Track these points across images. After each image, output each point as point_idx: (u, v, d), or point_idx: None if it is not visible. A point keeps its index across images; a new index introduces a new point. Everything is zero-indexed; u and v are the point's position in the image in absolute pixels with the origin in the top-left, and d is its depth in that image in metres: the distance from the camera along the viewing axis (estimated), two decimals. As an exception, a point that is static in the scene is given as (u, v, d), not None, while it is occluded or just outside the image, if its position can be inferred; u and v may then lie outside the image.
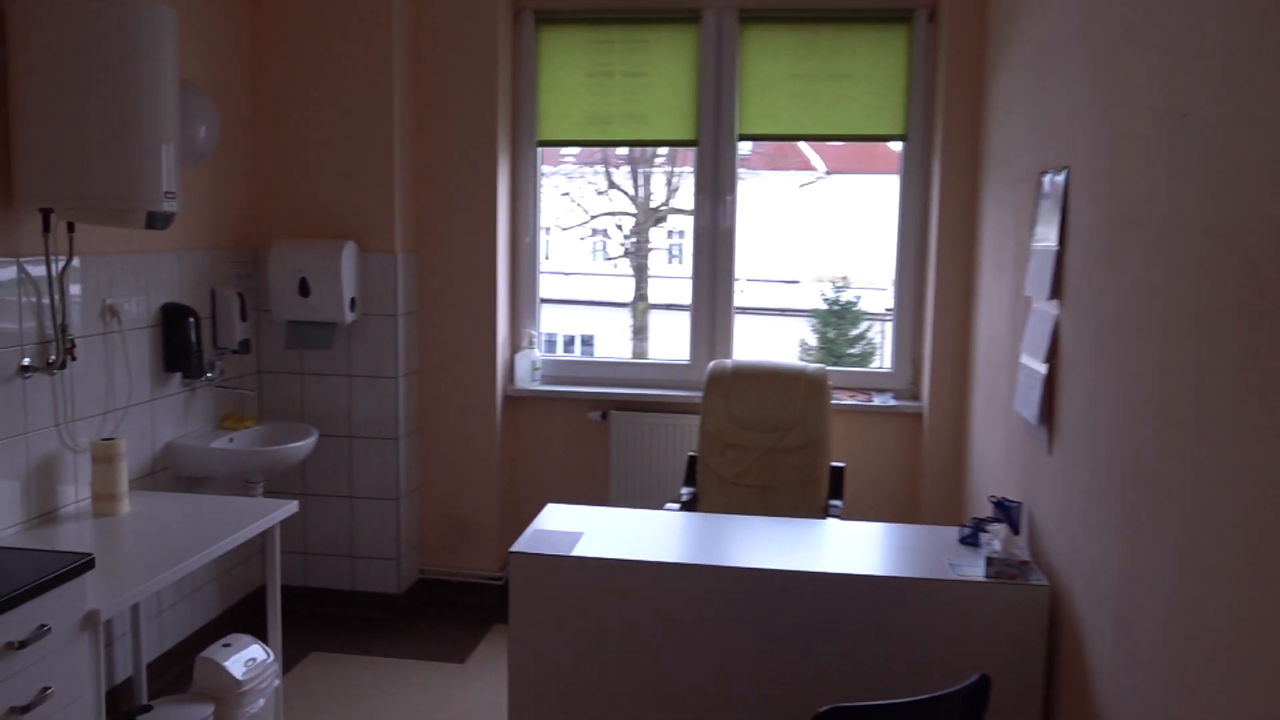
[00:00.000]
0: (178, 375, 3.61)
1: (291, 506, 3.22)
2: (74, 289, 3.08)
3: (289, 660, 3.75)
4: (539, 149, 4.41)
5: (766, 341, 5.43)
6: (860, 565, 2.69)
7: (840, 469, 3.87)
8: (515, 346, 4.48)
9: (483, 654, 3.86)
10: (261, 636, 3.19)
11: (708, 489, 3.84)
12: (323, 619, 4.15)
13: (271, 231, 4.14)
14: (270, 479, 4.19)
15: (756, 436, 3.84)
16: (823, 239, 5.12)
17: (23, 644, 2.10)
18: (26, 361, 2.90)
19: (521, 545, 2.78)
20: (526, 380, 4.41)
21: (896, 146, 4.22)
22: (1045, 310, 2.69)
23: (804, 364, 3.96)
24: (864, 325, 5.15)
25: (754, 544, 2.91)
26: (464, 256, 4.26)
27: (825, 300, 5.04)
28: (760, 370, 3.93)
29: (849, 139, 4.41)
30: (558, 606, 2.72)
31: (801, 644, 2.61)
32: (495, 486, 4.33)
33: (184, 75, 3.61)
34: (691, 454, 3.97)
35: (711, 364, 4.00)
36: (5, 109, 2.76)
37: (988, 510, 2.93)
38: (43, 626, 2.17)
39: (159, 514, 3.09)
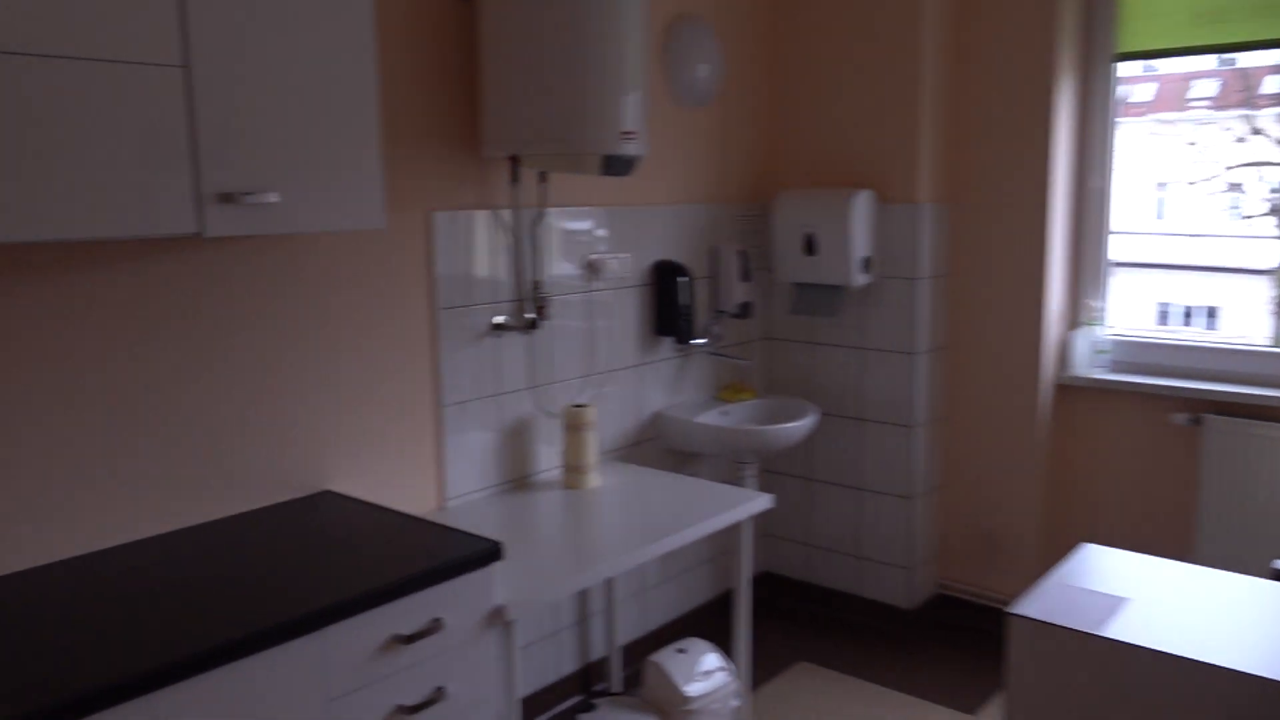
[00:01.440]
0: (669, 340, 3.33)
1: (764, 501, 2.74)
2: (553, 244, 2.90)
3: (772, 667, 3.32)
4: (1115, 65, 3.36)
5: None
6: None
7: None
8: (1073, 322, 3.53)
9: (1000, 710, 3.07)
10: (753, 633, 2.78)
11: (1353, 542, 2.60)
12: (821, 623, 3.66)
13: (781, 181, 3.69)
14: (767, 458, 3.79)
15: None
16: None
17: (410, 638, 1.87)
18: (500, 320, 2.77)
19: (1029, 607, 1.98)
20: (1085, 365, 3.44)
21: None
22: None
23: None
24: None
25: None
26: (1007, 207, 3.41)
27: None
28: None
29: None
30: (1075, 701, 1.88)
31: None
32: (1036, 495, 3.45)
33: (688, 9, 3.28)
34: (1329, 487, 2.74)
35: (1373, 357, 2.70)
36: (476, 50, 2.60)
37: None
38: (436, 620, 1.93)
39: (625, 492, 2.80)
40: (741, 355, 3.63)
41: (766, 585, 3.89)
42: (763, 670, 3.29)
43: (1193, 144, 3.71)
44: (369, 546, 2.03)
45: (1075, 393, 3.47)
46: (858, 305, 3.55)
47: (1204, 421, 3.17)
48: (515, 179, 2.72)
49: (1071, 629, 1.87)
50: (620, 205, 3.11)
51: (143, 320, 2.05)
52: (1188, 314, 4.24)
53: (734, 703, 2.68)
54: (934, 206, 3.44)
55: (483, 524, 2.54)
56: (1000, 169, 3.40)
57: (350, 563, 1.94)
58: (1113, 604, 1.95)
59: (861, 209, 3.37)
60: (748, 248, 3.56)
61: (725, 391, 3.52)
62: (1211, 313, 4.17)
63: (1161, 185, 4.00)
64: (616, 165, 2.58)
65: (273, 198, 1.86)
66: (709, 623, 3.55)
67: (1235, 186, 3.83)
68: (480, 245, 2.69)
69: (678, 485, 2.87)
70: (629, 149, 2.55)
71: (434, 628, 1.92)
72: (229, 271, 2.17)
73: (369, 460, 2.49)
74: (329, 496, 2.35)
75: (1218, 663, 1.73)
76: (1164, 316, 4.17)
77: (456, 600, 1.97)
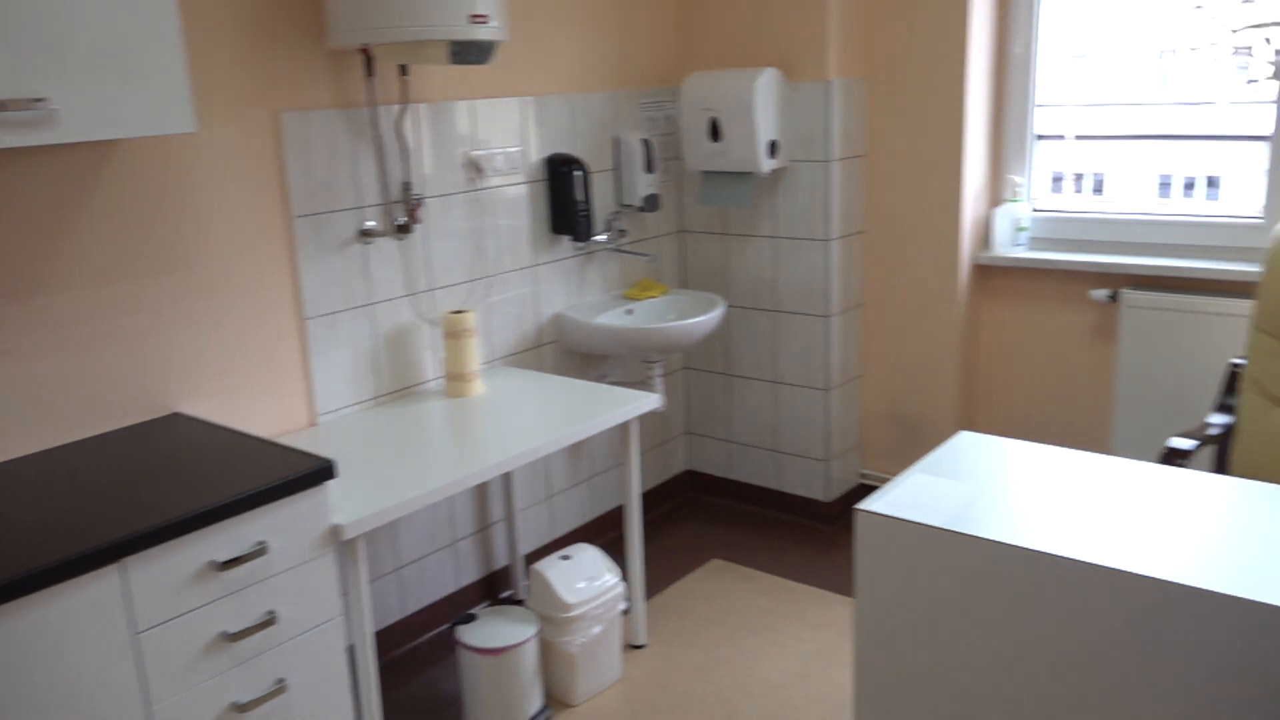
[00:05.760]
0: (567, 238, 3.20)
1: (649, 402, 2.65)
2: (426, 142, 2.74)
3: (686, 565, 3.28)
4: (1033, -83, 3.14)
5: None
6: None
7: None
8: (994, 199, 3.37)
9: (911, 596, 3.03)
10: (652, 542, 2.73)
11: (1253, 418, 2.50)
12: (738, 519, 3.61)
13: (689, 63, 3.49)
14: (686, 357, 3.70)
15: (1350, 344, 2.38)
16: None
17: (227, 564, 1.81)
18: (369, 225, 2.63)
19: (877, 502, 1.90)
20: (1006, 244, 3.31)
21: None
22: None
23: None
24: None
25: (1270, 546, 1.69)
26: (922, 80, 3.22)
27: None
28: (1374, 235, 2.42)
29: None
30: (923, 597, 1.82)
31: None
32: (954, 380, 3.36)
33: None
34: (1235, 361, 2.63)
35: (1284, 224, 2.56)
36: (308, -66, 2.41)
37: None
38: (260, 544, 1.86)
39: (510, 398, 2.71)
40: (650, 251, 3.50)
41: (689, 483, 3.84)
42: (677, 568, 3.26)
43: (1199, 7, 3.49)
44: (195, 471, 1.94)
45: (996, 272, 3.34)
46: (769, 192, 3.40)
47: (1120, 296, 3.05)
48: (370, 73, 2.56)
49: (914, 521, 1.79)
50: (505, 96, 2.93)
51: (-63, 244, 1.93)
52: (1190, 184, 4.07)
53: (621, 606, 2.64)
54: (845, 83, 3.25)
55: (352, 439, 2.46)
56: (914, 39, 3.20)
57: (166, 489, 1.86)
58: (968, 494, 1.87)
59: (766, 89, 3.19)
60: (654, 137, 3.39)
61: (633, 289, 3.40)
62: (1213, 181, 3.99)
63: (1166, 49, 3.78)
64: (468, 52, 2.41)
65: (51, 105, 1.73)
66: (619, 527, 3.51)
67: (1244, 50, 3.62)
68: (339, 147, 2.54)
69: (565, 389, 2.78)
70: (481, 34, 2.38)
71: (257, 552, 1.85)
72: (52, 181, 2.04)
73: (225, 380, 2.39)
74: (176, 420, 2.26)
75: (1058, 552, 1.64)
76: (1165, 189, 4.01)
77: (283, 523, 1.89)
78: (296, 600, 1.93)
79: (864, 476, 3.63)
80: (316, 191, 2.51)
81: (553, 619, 2.53)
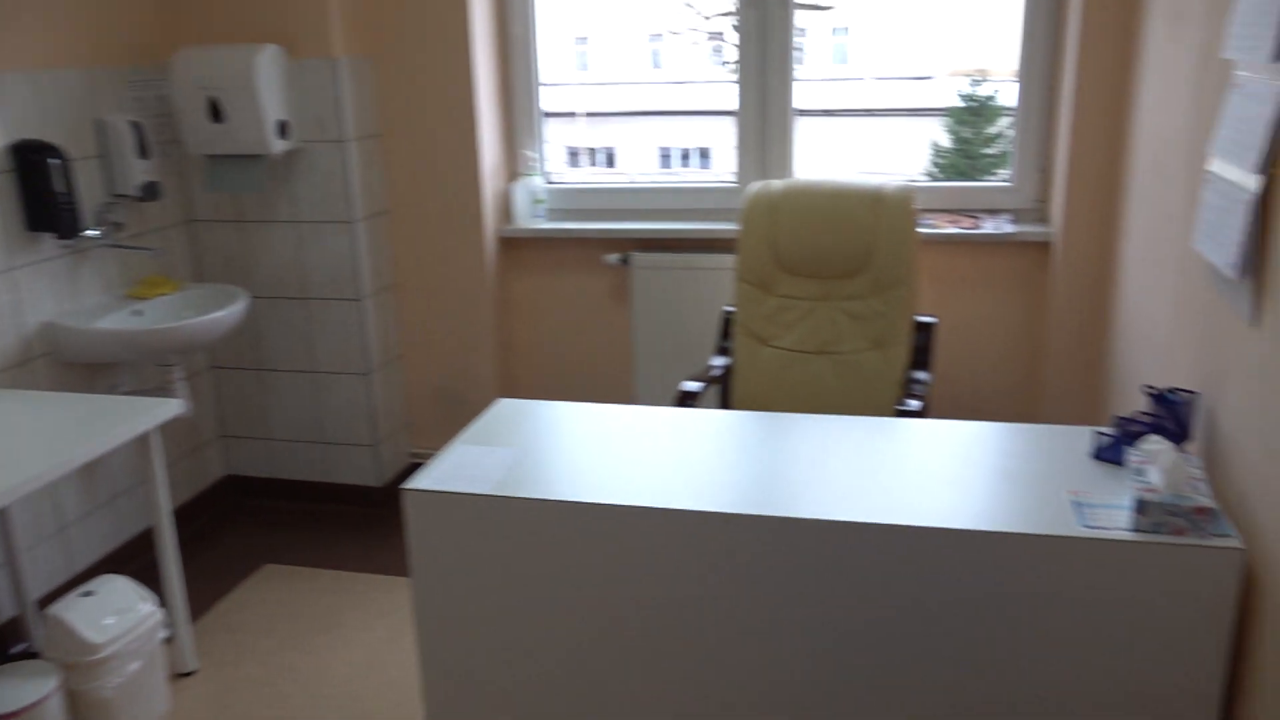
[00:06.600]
0: (49, 235, 2.80)
1: (172, 407, 2.42)
2: None
3: (235, 577, 3.06)
4: (518, -99, 3.27)
5: (885, 146, 4.43)
6: (928, 508, 1.71)
7: (929, 327, 2.82)
8: (512, 174, 3.50)
9: (473, 566, 3.09)
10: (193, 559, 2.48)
11: (744, 356, 2.86)
12: (288, 519, 3.45)
13: (178, 37, 3.20)
14: (205, 356, 3.44)
15: (808, 285, 2.81)
16: (958, 27, 4.05)
17: None
18: None
19: (422, 478, 1.91)
20: (526, 217, 3.45)
21: None
22: (1263, 84, 1.55)
23: (881, 183, 2.86)
24: (1002, 122, 4.19)
25: (765, 466, 1.95)
26: (430, 58, 3.24)
27: (961, 96, 4.04)
28: (819, 191, 2.86)
29: None
30: (475, 564, 1.86)
31: (824, 637, 1.69)
32: (491, 351, 3.46)
33: None
34: (727, 309, 2.98)
35: (753, 186, 2.94)
36: None
37: (1141, 404, 1.89)
38: None
39: (-8, 425, 2.33)
40: (156, 244, 3.18)
41: (230, 489, 3.59)
42: (225, 583, 3.03)
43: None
44: None
45: (519, 243, 3.48)
46: (284, 175, 3.24)
47: (631, 259, 3.32)
48: None
49: (457, 493, 1.83)
50: (-63, 73, 2.49)
51: None
52: (686, 155, 4.45)
53: (161, 635, 2.41)
54: (353, 60, 3.17)
55: None
56: (417, 17, 3.20)
57: None
58: (505, 457, 1.93)
59: (268, 66, 3.02)
60: (146, 119, 3.07)
61: (140, 287, 3.08)
62: (705, 152, 4.41)
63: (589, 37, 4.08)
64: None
65: None
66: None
67: (717, 35, 4.01)
68: None
69: (64, 406, 2.44)
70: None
71: None
72: None
73: None
74: None
75: (596, 500, 1.75)
76: (666, 160, 4.35)
77: None
78: None
79: (414, 455, 3.63)
80: None
81: (78, 665, 2.23)
